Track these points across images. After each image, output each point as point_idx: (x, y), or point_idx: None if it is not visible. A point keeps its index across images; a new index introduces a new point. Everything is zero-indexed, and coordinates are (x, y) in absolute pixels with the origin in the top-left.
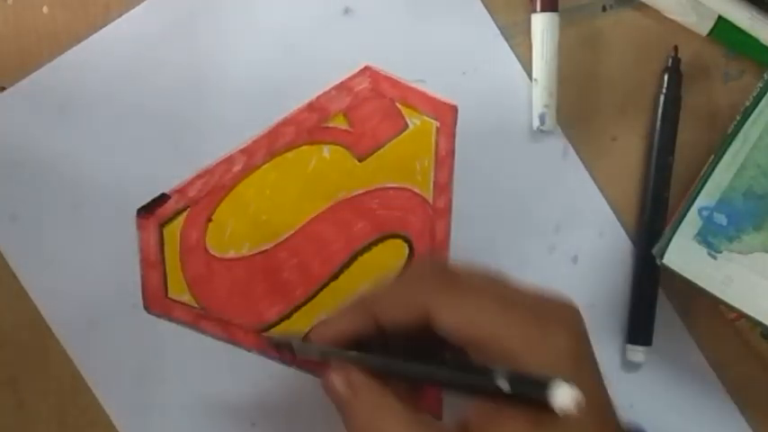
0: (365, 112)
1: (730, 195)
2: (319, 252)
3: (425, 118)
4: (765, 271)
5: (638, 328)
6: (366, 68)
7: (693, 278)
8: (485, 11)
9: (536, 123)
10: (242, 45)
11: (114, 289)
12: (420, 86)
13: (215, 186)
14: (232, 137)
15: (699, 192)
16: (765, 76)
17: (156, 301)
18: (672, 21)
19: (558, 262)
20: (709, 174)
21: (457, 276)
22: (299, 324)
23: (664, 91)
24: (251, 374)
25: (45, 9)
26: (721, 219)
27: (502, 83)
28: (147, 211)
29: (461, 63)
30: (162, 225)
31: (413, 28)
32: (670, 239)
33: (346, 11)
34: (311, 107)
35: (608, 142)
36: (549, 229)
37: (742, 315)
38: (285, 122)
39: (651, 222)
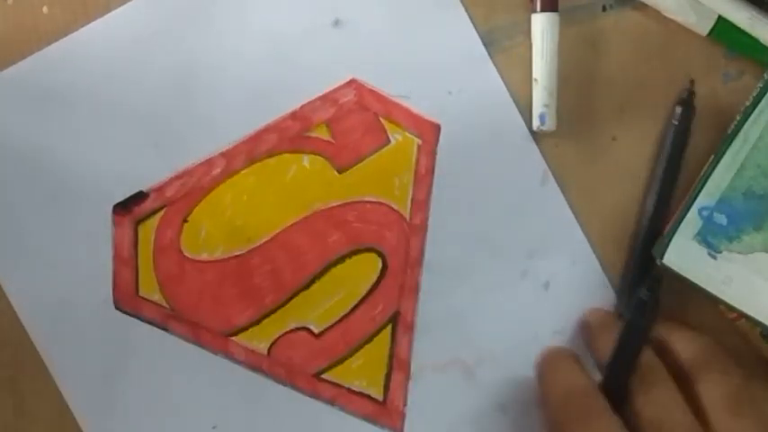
0: (348, 124)
1: (730, 195)
2: (292, 261)
3: (408, 134)
4: (765, 271)
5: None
6: (352, 81)
7: (693, 278)
8: (474, 32)
9: (536, 123)
10: (230, 49)
11: (86, 284)
12: (404, 102)
13: (193, 188)
14: (213, 139)
15: (699, 192)
16: (765, 76)
17: (127, 299)
18: (672, 21)
19: (530, 287)
20: (709, 174)
21: None
22: (267, 331)
23: (675, 122)
24: (214, 377)
25: (45, 9)
26: (721, 219)
27: (486, 104)
28: (123, 207)
29: (447, 82)
30: (137, 223)
31: (401, 44)
32: (670, 239)
33: (336, 23)
34: (294, 116)
35: (608, 142)
36: (523, 255)
37: (742, 315)
38: (267, 129)
39: (640, 258)
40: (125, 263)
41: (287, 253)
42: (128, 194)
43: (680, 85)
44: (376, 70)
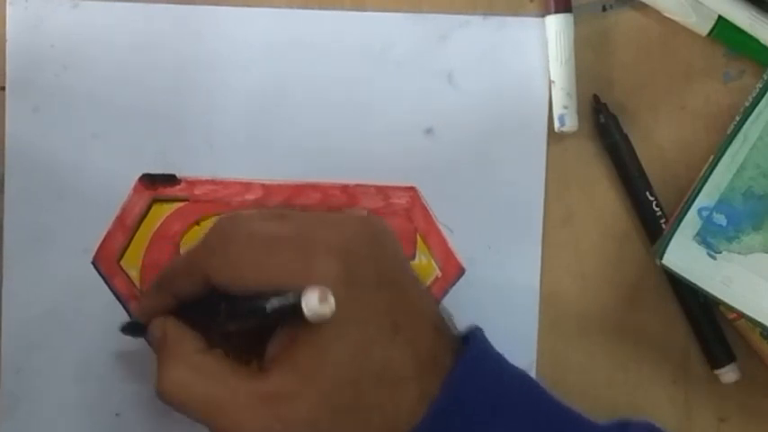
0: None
1: (730, 196)
2: None
3: (432, 262)
4: (765, 271)
5: (717, 351)
6: (412, 188)
7: (693, 278)
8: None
9: (557, 125)
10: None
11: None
12: (446, 233)
13: (221, 199)
14: (270, 168)
15: (698, 192)
16: (765, 76)
17: (106, 260)
18: (672, 21)
19: None
20: (709, 174)
21: (229, 233)
22: None
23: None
24: (117, 365)
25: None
26: (721, 219)
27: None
28: (149, 180)
29: (486, 239)
30: (154, 200)
31: (473, 181)
32: (669, 239)
33: (428, 131)
34: (345, 189)
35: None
36: None
37: (742, 315)
38: (315, 187)
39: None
40: (123, 228)
41: None
42: None
43: (680, 85)
44: (435, 189)
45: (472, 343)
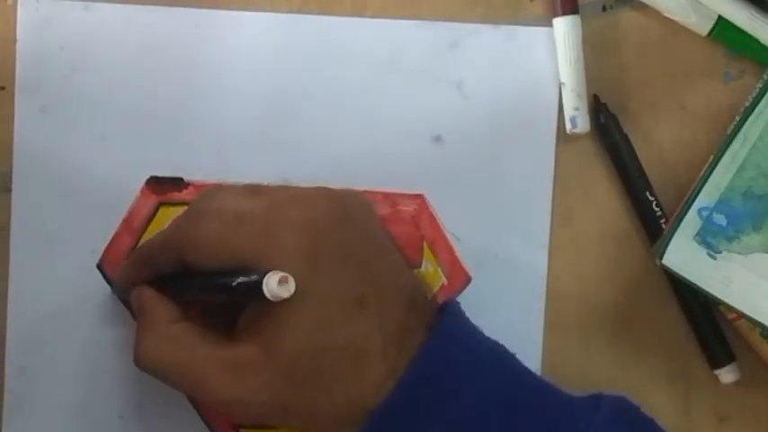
0: (393, 229)
1: (730, 196)
2: None
3: (439, 270)
4: (765, 271)
5: (717, 351)
6: (420, 196)
7: (693, 279)
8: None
9: (569, 127)
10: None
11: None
12: (453, 241)
13: None
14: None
15: (698, 192)
16: (765, 76)
17: (112, 263)
18: (672, 21)
19: None
20: (709, 174)
21: (199, 210)
22: None
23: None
24: (121, 367)
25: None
26: (721, 219)
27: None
28: (157, 183)
29: (494, 247)
30: (161, 203)
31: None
32: (669, 239)
33: (437, 138)
34: None
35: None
36: None
37: (742, 315)
38: None
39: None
40: (130, 231)
41: None
42: None
43: (680, 85)
44: (443, 196)
45: (446, 317)
